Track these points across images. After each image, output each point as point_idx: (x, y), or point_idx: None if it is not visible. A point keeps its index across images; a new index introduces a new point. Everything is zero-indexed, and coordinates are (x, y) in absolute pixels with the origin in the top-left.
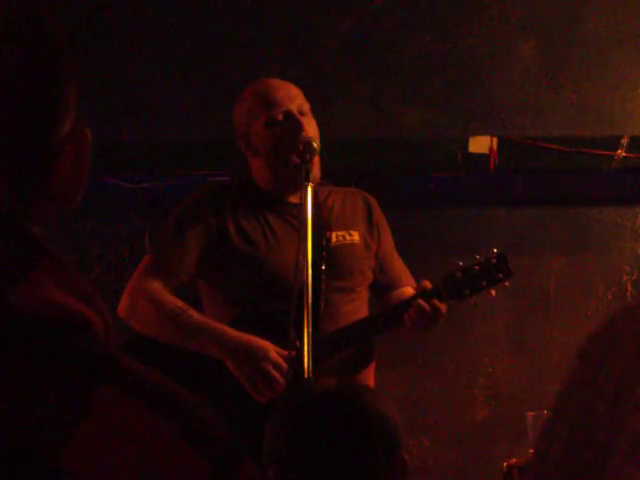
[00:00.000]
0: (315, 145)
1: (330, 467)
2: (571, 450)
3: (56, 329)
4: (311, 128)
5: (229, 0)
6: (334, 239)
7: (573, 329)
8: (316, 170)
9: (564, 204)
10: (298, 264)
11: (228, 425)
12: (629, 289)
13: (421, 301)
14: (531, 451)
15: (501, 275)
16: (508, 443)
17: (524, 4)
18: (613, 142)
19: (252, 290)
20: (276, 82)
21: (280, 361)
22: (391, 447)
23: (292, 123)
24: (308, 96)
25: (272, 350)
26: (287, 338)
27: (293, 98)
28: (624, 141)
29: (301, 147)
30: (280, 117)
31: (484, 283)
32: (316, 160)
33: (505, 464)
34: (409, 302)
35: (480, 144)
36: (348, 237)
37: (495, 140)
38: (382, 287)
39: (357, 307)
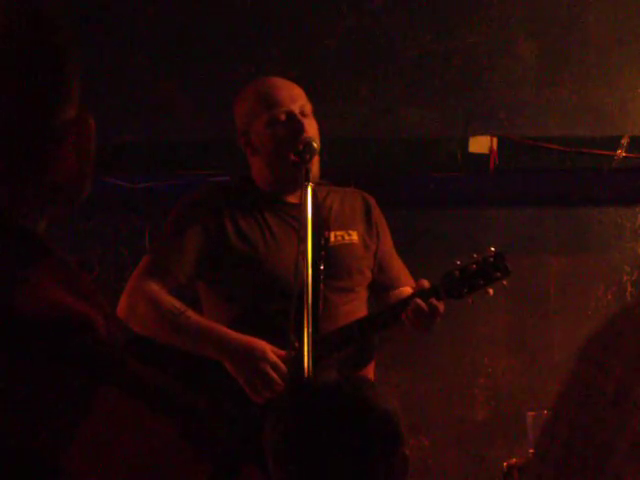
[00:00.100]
0: (315, 145)
1: (330, 461)
2: (571, 450)
3: (57, 329)
4: (312, 129)
5: (229, 0)
6: (333, 239)
7: (573, 329)
8: (315, 169)
9: (564, 204)
10: (298, 264)
11: (228, 425)
12: (629, 289)
13: (419, 300)
14: (531, 451)
15: (499, 274)
16: (508, 443)
17: (524, 4)
18: (613, 142)
19: (251, 290)
20: (279, 81)
21: (278, 362)
22: (392, 441)
23: (293, 124)
24: (308, 96)
25: (270, 351)
26: (286, 338)
27: (295, 98)
28: (624, 141)
29: (301, 147)
30: (282, 117)
31: (482, 282)
32: (315, 159)
33: (505, 464)
34: (407, 301)
35: (480, 144)
36: (347, 237)
37: (495, 140)
38: (381, 287)
39: (356, 307)
